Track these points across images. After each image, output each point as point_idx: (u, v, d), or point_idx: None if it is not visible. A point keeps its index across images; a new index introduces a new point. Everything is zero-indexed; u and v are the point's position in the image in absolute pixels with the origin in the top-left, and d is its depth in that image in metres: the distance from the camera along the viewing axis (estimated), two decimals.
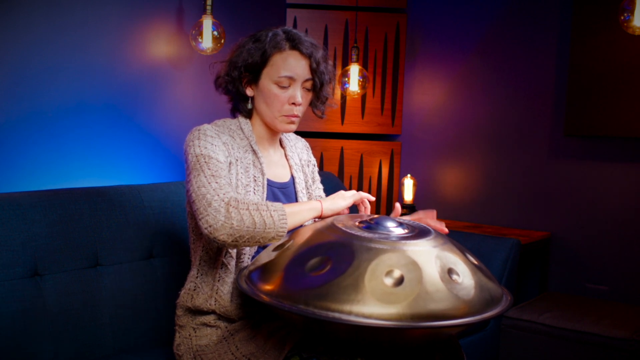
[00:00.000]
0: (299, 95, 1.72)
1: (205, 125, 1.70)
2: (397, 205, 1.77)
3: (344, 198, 1.67)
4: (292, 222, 1.58)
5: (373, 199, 1.74)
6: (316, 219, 1.67)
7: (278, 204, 1.58)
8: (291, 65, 1.70)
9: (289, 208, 1.59)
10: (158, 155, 2.89)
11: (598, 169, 3.13)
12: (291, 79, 1.70)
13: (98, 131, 2.68)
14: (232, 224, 1.50)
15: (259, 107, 1.75)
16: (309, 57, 1.72)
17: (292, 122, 1.74)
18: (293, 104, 1.71)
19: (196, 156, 1.61)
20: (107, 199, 1.96)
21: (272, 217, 1.54)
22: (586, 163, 3.17)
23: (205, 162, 1.60)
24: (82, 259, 1.86)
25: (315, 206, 1.63)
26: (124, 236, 1.94)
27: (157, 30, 2.86)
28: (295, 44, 1.71)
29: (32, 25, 2.44)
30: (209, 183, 1.56)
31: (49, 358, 1.75)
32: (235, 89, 1.74)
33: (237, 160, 1.70)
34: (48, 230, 1.80)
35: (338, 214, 1.65)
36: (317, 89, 1.77)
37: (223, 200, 1.52)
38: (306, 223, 1.65)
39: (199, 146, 1.63)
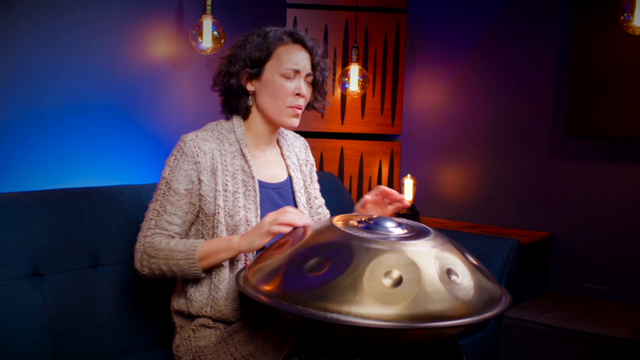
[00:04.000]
0: (303, 86, 1.73)
1: (190, 137, 1.70)
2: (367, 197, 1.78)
3: (261, 236, 1.58)
4: (205, 265, 1.63)
5: (286, 229, 1.57)
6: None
7: (191, 248, 1.61)
8: (296, 58, 1.72)
9: (205, 247, 1.61)
10: (158, 155, 2.89)
11: (598, 169, 3.13)
12: (296, 71, 1.72)
13: (98, 131, 2.68)
14: (144, 272, 1.67)
15: (261, 101, 1.74)
16: (310, 51, 1.75)
17: (297, 116, 1.74)
18: (298, 94, 1.72)
19: (163, 178, 1.69)
20: (107, 199, 1.96)
21: (181, 266, 1.62)
22: (586, 163, 3.16)
23: (165, 190, 1.68)
24: (82, 259, 1.86)
25: (233, 246, 1.61)
26: (124, 236, 1.94)
27: (157, 30, 2.86)
28: (297, 38, 1.74)
29: (32, 25, 2.44)
30: (151, 219, 1.68)
31: (49, 358, 1.75)
32: (237, 83, 1.73)
33: (225, 166, 1.70)
34: (48, 230, 1.80)
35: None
36: (319, 84, 1.79)
37: (143, 245, 1.66)
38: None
39: (169, 167, 1.69)
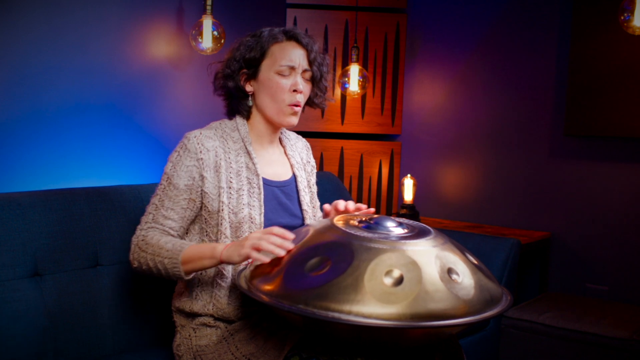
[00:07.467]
0: (301, 82, 1.73)
1: (194, 134, 1.71)
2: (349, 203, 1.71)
3: (240, 255, 1.51)
4: (188, 269, 1.60)
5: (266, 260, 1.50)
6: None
7: (177, 249, 1.58)
8: (290, 55, 1.72)
9: (190, 251, 1.58)
10: (158, 155, 2.89)
11: (598, 169, 3.13)
12: (291, 68, 1.72)
13: (98, 131, 2.68)
14: (134, 265, 1.67)
15: (260, 101, 1.75)
16: (305, 47, 1.75)
17: (295, 114, 1.75)
18: (295, 91, 1.72)
19: (165, 173, 1.71)
20: (107, 199, 1.96)
21: (165, 265, 1.60)
22: (586, 163, 3.17)
23: (165, 184, 1.69)
24: (82, 259, 1.86)
25: (215, 255, 1.56)
26: (124, 236, 1.94)
27: (157, 30, 2.86)
28: (291, 35, 1.75)
29: (32, 25, 2.44)
30: (149, 212, 1.69)
31: (49, 358, 1.75)
32: (235, 85, 1.74)
33: (228, 163, 1.70)
34: (48, 230, 1.80)
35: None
36: (317, 79, 1.79)
37: (137, 238, 1.67)
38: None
39: (171, 163, 1.70)
